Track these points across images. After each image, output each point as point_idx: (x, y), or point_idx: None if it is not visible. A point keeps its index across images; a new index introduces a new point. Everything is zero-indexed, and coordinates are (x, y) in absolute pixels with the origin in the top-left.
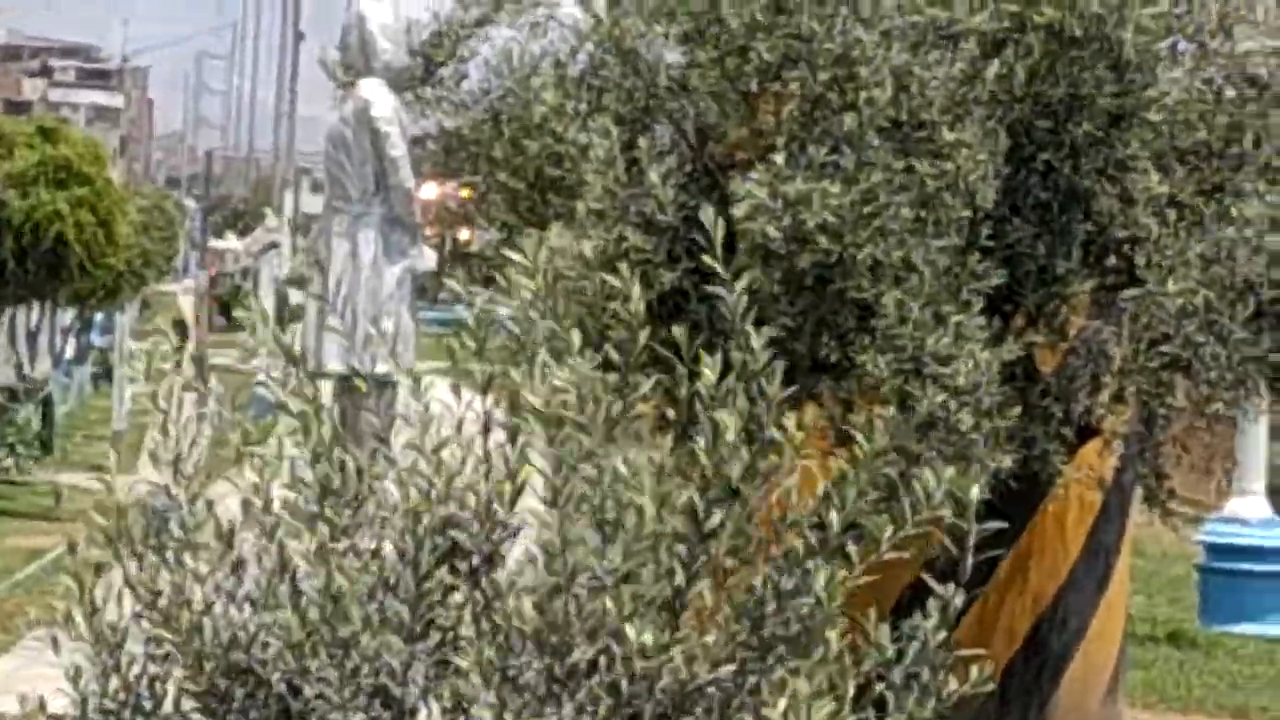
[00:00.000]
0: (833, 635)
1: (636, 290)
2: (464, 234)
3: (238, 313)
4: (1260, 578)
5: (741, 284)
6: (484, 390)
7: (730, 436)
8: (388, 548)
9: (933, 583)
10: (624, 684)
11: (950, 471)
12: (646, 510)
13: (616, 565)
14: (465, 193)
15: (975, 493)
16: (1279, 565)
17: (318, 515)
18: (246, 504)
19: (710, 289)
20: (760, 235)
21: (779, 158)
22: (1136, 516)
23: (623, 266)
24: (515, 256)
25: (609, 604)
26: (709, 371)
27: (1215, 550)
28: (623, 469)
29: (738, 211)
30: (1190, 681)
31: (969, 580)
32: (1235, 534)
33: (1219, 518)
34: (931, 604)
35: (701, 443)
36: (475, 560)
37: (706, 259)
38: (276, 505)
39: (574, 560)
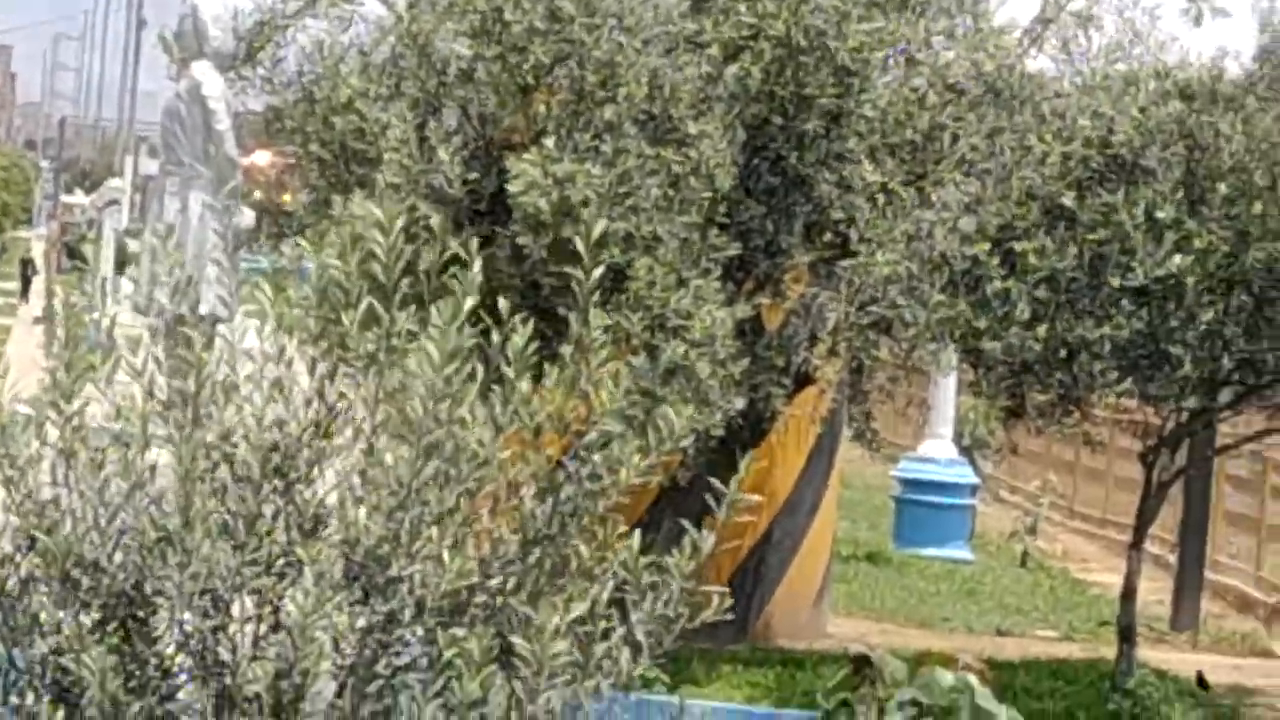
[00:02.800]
0: (586, 550)
1: (477, 267)
2: (286, 197)
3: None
4: (946, 509)
5: (596, 273)
6: (318, 337)
7: (550, 383)
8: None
9: (690, 528)
10: (424, 593)
11: (689, 410)
12: (472, 444)
13: (450, 505)
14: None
15: (717, 432)
16: (961, 498)
17: (174, 435)
18: (115, 416)
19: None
20: (532, 208)
21: (549, 142)
22: (843, 453)
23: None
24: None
25: (434, 533)
26: (519, 335)
27: (909, 484)
28: (463, 413)
29: (513, 187)
30: (885, 595)
31: (699, 507)
32: (926, 470)
33: (912, 456)
34: (685, 541)
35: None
36: (294, 477)
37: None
38: (138, 423)
39: (417, 486)
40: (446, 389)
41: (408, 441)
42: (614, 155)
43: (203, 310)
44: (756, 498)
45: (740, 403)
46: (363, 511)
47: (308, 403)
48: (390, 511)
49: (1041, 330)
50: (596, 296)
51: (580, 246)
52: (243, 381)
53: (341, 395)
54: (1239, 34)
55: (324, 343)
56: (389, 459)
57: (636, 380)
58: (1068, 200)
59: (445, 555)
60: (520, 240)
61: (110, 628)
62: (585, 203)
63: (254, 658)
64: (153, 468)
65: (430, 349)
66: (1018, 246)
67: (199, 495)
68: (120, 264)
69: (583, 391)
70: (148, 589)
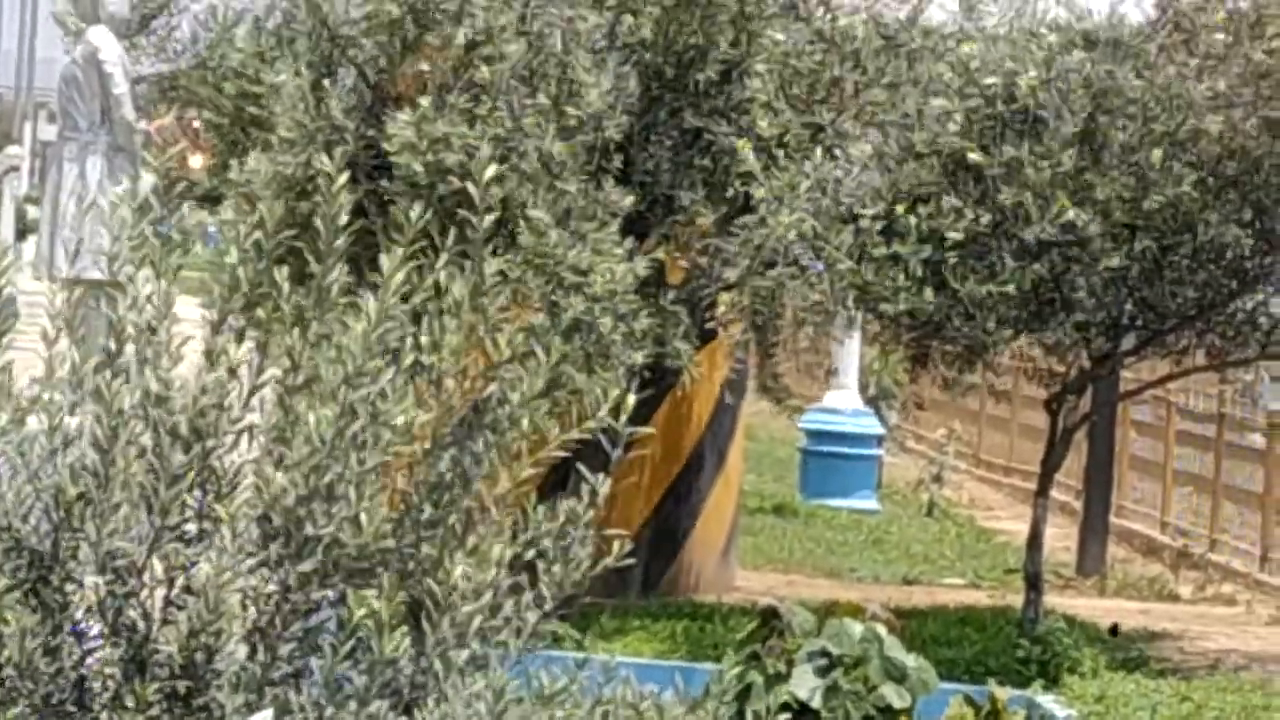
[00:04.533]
0: (494, 508)
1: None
2: (194, 160)
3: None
4: (851, 459)
5: (491, 218)
6: (249, 307)
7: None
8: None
9: (586, 472)
10: (338, 554)
11: (617, 395)
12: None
13: (367, 467)
14: (195, 124)
15: (630, 400)
16: (866, 449)
17: (99, 398)
18: (37, 383)
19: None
20: (406, 169)
21: (425, 102)
22: (748, 406)
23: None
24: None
25: (352, 494)
26: (455, 286)
27: (814, 435)
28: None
29: (389, 148)
30: (792, 546)
31: (605, 461)
32: (830, 422)
33: (817, 408)
34: (583, 489)
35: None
36: (208, 445)
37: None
38: (61, 388)
39: (334, 449)
40: (373, 353)
41: (327, 402)
42: (488, 114)
43: (101, 275)
44: (649, 429)
45: (641, 357)
46: (280, 473)
47: (232, 368)
48: (308, 472)
49: (929, 293)
50: (489, 247)
51: (471, 188)
52: (143, 347)
53: (264, 356)
54: None
55: (242, 304)
56: (311, 420)
57: (540, 339)
58: (975, 156)
59: (363, 516)
60: (399, 202)
61: (24, 591)
62: (461, 165)
63: (165, 621)
64: (74, 430)
65: (367, 308)
66: (899, 209)
67: (119, 458)
68: (20, 231)
69: (479, 339)
70: (62, 552)
